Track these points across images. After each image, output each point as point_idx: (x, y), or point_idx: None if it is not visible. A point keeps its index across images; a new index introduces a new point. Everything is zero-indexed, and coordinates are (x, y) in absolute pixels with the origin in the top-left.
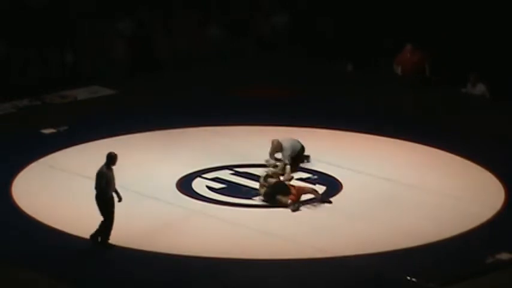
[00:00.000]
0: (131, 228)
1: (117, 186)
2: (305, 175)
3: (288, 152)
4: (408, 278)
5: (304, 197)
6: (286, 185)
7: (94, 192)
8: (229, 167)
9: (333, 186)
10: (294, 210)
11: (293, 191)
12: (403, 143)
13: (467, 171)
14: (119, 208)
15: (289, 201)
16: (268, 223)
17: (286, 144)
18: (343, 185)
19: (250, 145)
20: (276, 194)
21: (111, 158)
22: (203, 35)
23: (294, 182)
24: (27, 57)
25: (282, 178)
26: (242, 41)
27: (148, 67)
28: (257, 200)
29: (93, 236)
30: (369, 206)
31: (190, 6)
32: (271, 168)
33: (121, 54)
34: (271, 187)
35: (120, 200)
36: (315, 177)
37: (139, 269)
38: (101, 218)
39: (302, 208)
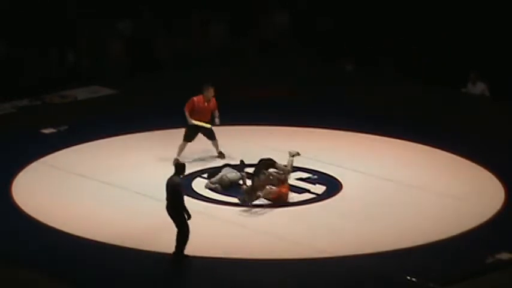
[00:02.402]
0: (131, 228)
1: (117, 187)
2: (305, 175)
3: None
4: (408, 278)
5: (302, 197)
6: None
7: (165, 202)
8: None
9: (333, 186)
10: (241, 201)
11: (283, 190)
12: (403, 143)
13: (467, 171)
14: (119, 208)
15: (259, 193)
16: (268, 223)
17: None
18: (343, 185)
19: (250, 145)
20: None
21: (182, 168)
22: (203, 35)
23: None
24: (27, 57)
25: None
26: (242, 41)
27: (148, 67)
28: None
29: (177, 253)
30: (369, 206)
31: (190, 6)
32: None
33: (121, 54)
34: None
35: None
36: (315, 177)
37: (140, 269)
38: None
39: (302, 208)
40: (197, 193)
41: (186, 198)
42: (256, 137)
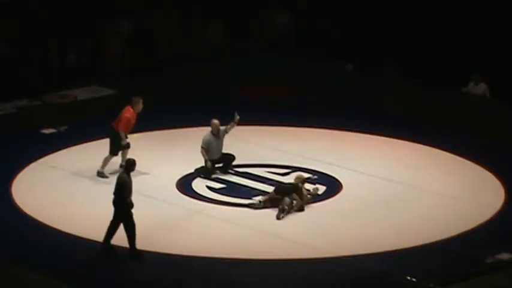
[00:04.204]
0: None
1: None
2: (305, 175)
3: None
4: (408, 278)
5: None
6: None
7: (112, 197)
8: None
9: (333, 186)
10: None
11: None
12: (403, 143)
13: (467, 171)
14: None
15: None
16: (268, 223)
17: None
18: (343, 185)
19: (249, 145)
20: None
21: (132, 165)
22: (203, 35)
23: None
24: (28, 57)
25: None
26: (242, 41)
27: (148, 67)
28: (257, 200)
29: (132, 249)
30: (368, 206)
31: (190, 5)
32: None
33: (121, 54)
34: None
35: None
36: (315, 177)
37: (140, 269)
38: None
39: (302, 208)
40: (197, 193)
41: (186, 197)
42: (256, 137)
